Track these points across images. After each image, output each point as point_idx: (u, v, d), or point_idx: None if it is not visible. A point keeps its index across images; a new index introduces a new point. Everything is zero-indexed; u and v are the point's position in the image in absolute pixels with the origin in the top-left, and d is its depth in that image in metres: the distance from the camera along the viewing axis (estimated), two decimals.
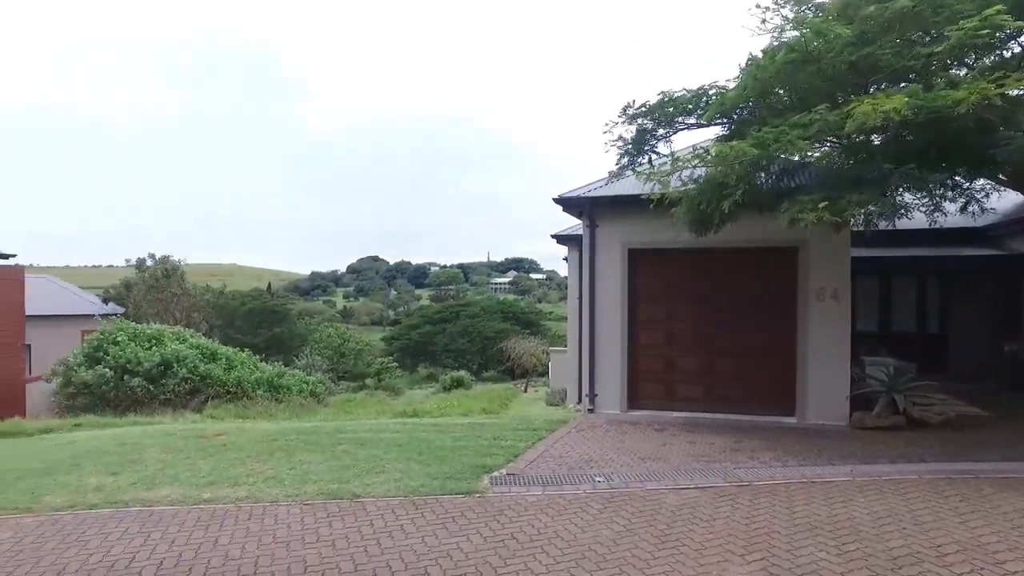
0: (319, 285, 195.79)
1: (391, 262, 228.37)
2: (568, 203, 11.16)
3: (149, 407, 15.63)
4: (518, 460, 7.49)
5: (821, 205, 6.82)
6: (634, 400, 10.96)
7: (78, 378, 15.61)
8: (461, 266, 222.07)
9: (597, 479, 6.82)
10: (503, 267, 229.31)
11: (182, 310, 30.88)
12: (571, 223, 17.72)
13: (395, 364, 51.72)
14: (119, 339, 16.62)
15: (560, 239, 18.71)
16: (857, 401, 9.60)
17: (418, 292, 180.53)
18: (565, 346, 30.37)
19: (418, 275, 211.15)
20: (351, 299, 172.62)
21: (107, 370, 15.67)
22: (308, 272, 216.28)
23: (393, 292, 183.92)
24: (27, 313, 19.31)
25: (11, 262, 18.89)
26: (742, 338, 10.34)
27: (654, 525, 5.49)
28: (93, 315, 27.00)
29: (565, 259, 21.30)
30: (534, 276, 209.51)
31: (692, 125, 9.03)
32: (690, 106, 8.56)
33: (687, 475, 6.98)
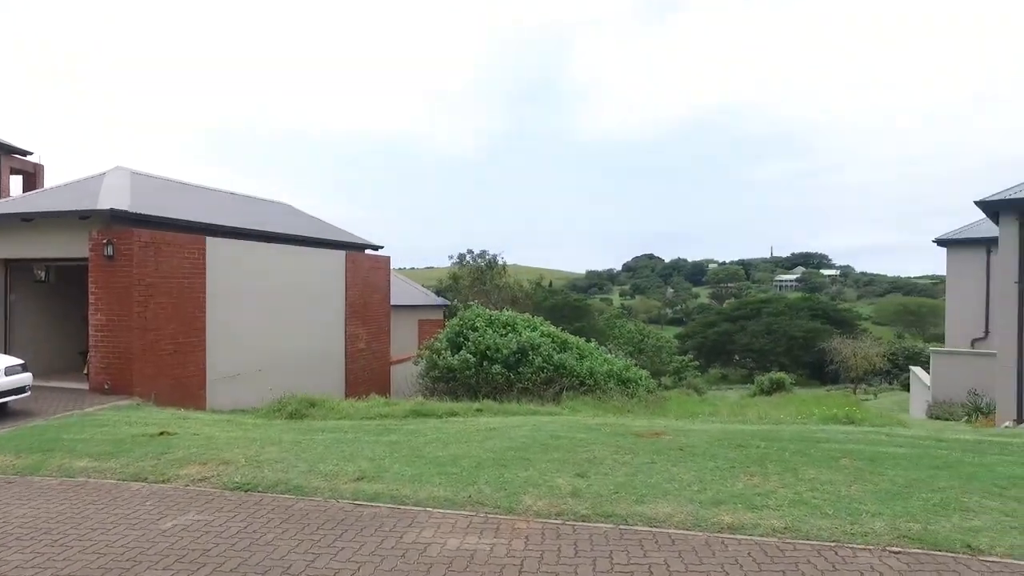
0: (595, 283, 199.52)
1: (666, 260, 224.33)
2: None
3: (507, 394, 15.20)
4: None
5: None
6: None
7: (444, 363, 15.82)
8: (741, 262, 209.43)
9: None
10: (788, 263, 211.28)
11: (501, 302, 31.84)
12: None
13: (696, 362, 48.87)
14: (477, 325, 16.63)
15: (988, 205, 14.46)
16: None
17: (695, 290, 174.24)
18: (942, 345, 24.83)
19: (695, 272, 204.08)
20: (627, 297, 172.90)
21: (470, 356, 15.64)
22: (584, 271, 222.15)
23: (670, 290, 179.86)
24: None
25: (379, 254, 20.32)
26: None
27: None
28: (426, 305, 28.98)
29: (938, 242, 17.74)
30: (825, 272, 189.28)
31: None
32: None
33: None
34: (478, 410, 9.71)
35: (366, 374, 18.63)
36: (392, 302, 22.12)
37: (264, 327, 14.58)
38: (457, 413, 9.57)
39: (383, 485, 5.67)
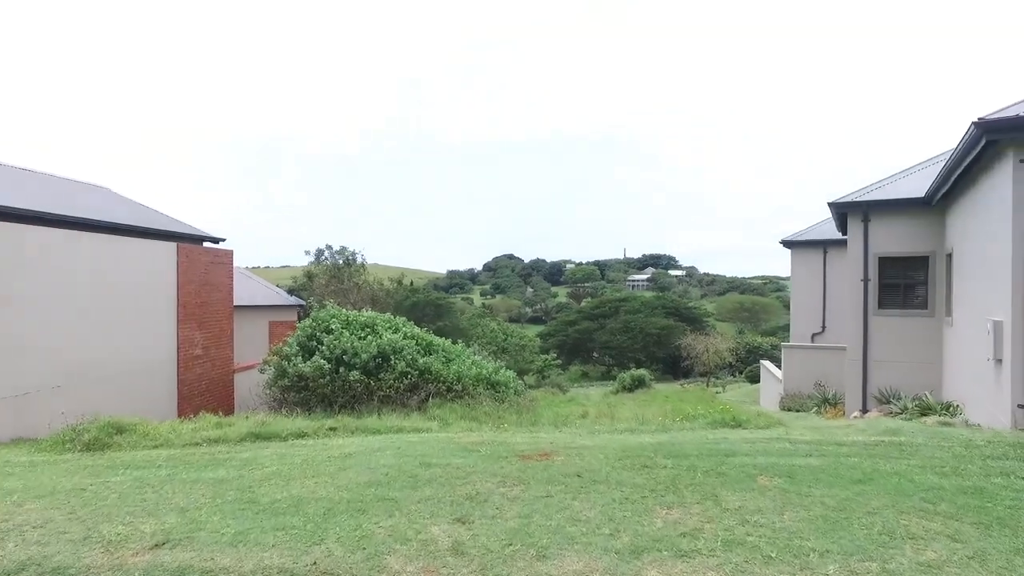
0: (456, 283, 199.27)
1: (526, 260, 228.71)
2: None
3: (367, 404, 13.68)
4: None
5: None
6: None
7: (295, 370, 13.94)
8: (597, 263, 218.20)
9: None
10: (640, 263, 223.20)
11: (360, 301, 29.88)
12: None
13: (559, 361, 49.32)
14: (333, 327, 14.88)
15: (838, 207, 14.99)
16: None
17: (554, 289, 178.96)
18: (784, 339, 26.19)
19: (553, 272, 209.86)
20: (488, 296, 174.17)
21: (324, 361, 13.89)
22: (445, 271, 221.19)
23: (530, 289, 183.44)
24: None
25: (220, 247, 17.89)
26: None
27: None
28: (278, 306, 26.50)
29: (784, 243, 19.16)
30: (673, 272, 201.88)
31: None
32: None
33: None
34: (331, 428, 8.20)
35: (204, 385, 16.26)
36: (238, 302, 19.73)
37: (67, 333, 12.01)
38: (306, 433, 8.01)
39: (193, 552, 4.13)
